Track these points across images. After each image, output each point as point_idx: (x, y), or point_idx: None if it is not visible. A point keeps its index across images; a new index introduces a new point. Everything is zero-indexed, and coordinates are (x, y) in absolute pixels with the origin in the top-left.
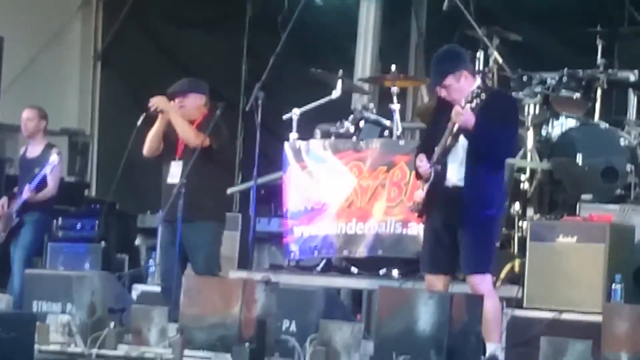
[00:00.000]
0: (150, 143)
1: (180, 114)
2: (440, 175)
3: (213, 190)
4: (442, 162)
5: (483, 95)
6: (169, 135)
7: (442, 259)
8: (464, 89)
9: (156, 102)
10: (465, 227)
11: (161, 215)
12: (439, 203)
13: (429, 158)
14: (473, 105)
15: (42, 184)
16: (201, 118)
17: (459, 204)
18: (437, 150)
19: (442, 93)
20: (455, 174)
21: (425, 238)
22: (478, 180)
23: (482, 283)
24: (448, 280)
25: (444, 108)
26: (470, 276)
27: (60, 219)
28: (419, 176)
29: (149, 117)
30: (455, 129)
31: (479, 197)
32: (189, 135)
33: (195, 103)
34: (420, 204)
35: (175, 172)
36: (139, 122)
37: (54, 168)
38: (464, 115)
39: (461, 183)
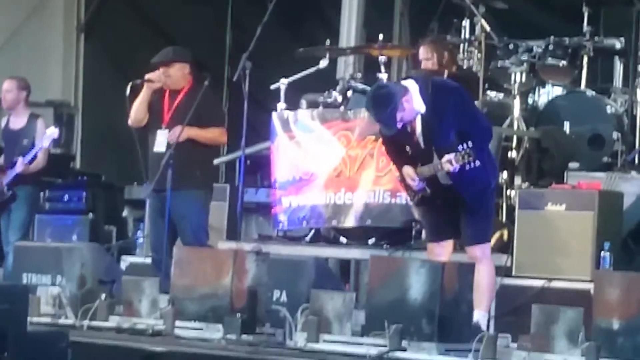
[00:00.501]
0: (135, 113)
1: (166, 83)
2: (434, 182)
3: (201, 159)
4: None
5: (475, 159)
6: (154, 104)
7: (444, 226)
8: (412, 110)
9: (150, 75)
10: (466, 200)
11: (148, 185)
12: (437, 194)
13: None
14: (466, 168)
15: (34, 156)
16: (188, 86)
17: (457, 193)
18: (425, 174)
19: (400, 125)
20: (443, 176)
21: (426, 211)
22: (464, 178)
23: (483, 252)
24: (451, 245)
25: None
26: (471, 247)
27: (47, 191)
28: (404, 182)
29: (135, 87)
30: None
31: (473, 190)
32: (216, 140)
33: (180, 72)
34: (419, 200)
35: (161, 141)
36: (127, 92)
37: (52, 142)
38: (454, 167)
39: (449, 182)
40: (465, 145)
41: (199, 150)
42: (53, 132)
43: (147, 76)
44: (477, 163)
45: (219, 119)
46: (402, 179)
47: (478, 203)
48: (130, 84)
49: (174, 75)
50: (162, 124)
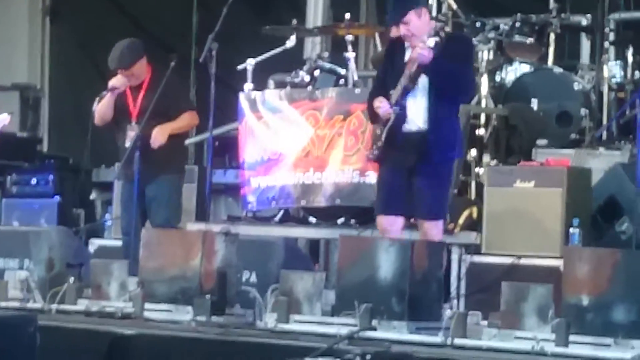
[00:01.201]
0: (102, 115)
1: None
2: (400, 117)
3: (173, 143)
4: (402, 105)
5: (444, 33)
6: (120, 101)
7: (398, 200)
8: (423, 27)
9: (114, 82)
10: (425, 171)
11: (117, 173)
12: (397, 148)
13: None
14: (437, 39)
15: None
16: (148, 76)
17: (421, 147)
18: (396, 92)
19: (402, 30)
20: (417, 118)
21: (381, 181)
22: (441, 121)
23: (436, 228)
24: (402, 223)
25: (395, 52)
26: (424, 222)
27: (14, 175)
28: (375, 119)
29: (102, 98)
30: (415, 67)
31: (442, 139)
32: (190, 125)
33: (141, 68)
34: (378, 149)
35: (133, 135)
36: (94, 106)
37: (4, 127)
38: (424, 51)
39: (423, 126)
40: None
41: (170, 137)
42: (4, 118)
43: (110, 84)
44: (447, 29)
45: (187, 103)
46: (372, 112)
47: (436, 171)
48: (97, 98)
49: (137, 73)
50: (131, 118)
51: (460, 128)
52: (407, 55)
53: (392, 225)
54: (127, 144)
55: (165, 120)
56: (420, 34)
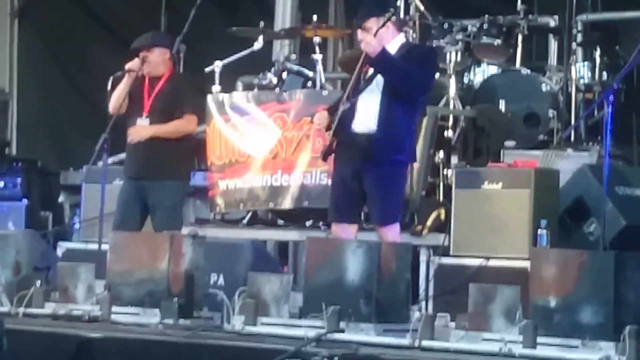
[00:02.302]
0: (116, 101)
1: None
2: (349, 115)
3: (177, 148)
4: (352, 102)
5: (392, 15)
6: (134, 92)
7: (349, 207)
8: (384, 37)
9: (130, 65)
10: (373, 173)
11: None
12: (346, 148)
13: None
14: (398, 45)
15: None
16: (168, 73)
17: (369, 147)
18: (348, 88)
19: (360, 36)
20: (368, 120)
21: (333, 186)
22: (392, 122)
23: (392, 232)
24: (355, 230)
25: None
26: (379, 227)
27: None
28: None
29: (117, 79)
30: (365, 63)
31: (390, 140)
32: (176, 133)
33: (161, 57)
34: (326, 146)
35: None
36: (109, 86)
37: None
38: (372, 41)
39: (373, 127)
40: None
41: (175, 139)
42: None
43: (127, 66)
44: (394, 18)
45: (190, 106)
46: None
47: (387, 174)
48: (111, 78)
49: (154, 61)
50: (143, 112)
51: (415, 132)
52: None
53: (345, 232)
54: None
55: (168, 119)
56: (384, 41)
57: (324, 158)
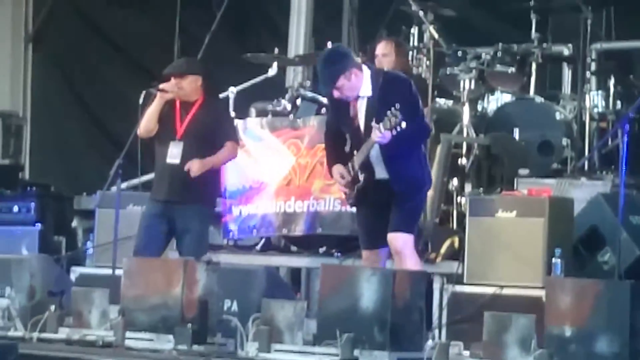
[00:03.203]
0: (147, 123)
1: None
2: (369, 178)
3: (211, 173)
4: (368, 168)
5: (401, 121)
6: (165, 115)
7: (378, 233)
8: (355, 86)
9: (164, 85)
10: (397, 197)
11: (154, 195)
12: (370, 192)
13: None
14: (394, 133)
15: None
16: (200, 100)
17: (392, 192)
18: (358, 158)
19: (336, 94)
20: (380, 170)
21: (360, 220)
22: (401, 172)
23: (403, 241)
24: (385, 254)
25: (339, 105)
26: (393, 234)
27: None
28: (330, 163)
29: (148, 96)
30: (372, 144)
31: (408, 186)
32: (230, 157)
33: (193, 84)
34: (353, 198)
35: (175, 153)
36: (140, 101)
37: None
38: (382, 136)
39: (387, 177)
40: (392, 109)
41: None
42: None
43: (161, 86)
44: (404, 125)
45: (232, 133)
46: (329, 161)
47: (410, 197)
48: (143, 92)
49: (187, 88)
50: (176, 135)
51: (425, 161)
52: (350, 105)
53: (376, 256)
54: (169, 160)
55: (208, 145)
56: (353, 94)
57: (354, 205)
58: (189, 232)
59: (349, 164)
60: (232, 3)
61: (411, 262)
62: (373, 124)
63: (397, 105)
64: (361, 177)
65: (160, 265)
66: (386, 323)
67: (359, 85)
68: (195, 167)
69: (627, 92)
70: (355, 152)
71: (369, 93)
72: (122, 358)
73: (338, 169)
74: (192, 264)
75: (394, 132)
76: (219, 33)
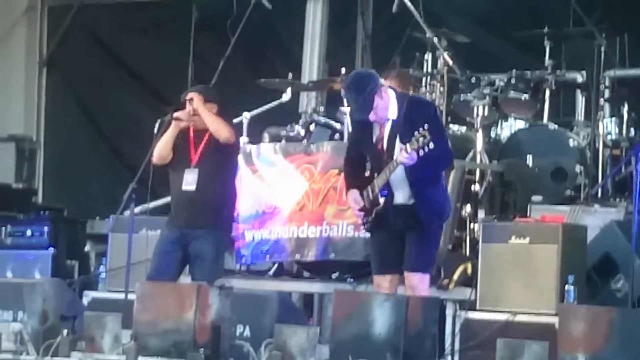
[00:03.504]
0: (161, 151)
1: (207, 111)
2: (389, 201)
3: (228, 198)
4: (388, 190)
5: (429, 142)
6: (179, 143)
7: (391, 259)
8: (387, 105)
9: (195, 95)
10: (416, 230)
11: (169, 220)
12: (387, 218)
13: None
14: (421, 153)
15: None
16: None
17: (410, 217)
18: (380, 180)
19: (372, 117)
20: (402, 193)
21: (374, 245)
22: (426, 195)
23: (422, 282)
24: (397, 280)
25: (364, 127)
26: (411, 274)
27: (8, 226)
28: (349, 187)
29: (163, 123)
30: (397, 164)
31: (431, 210)
32: (222, 129)
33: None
34: (369, 222)
35: (191, 180)
36: (155, 129)
37: None
38: (409, 157)
39: (409, 201)
40: (421, 129)
41: (229, 186)
42: None
43: (176, 114)
44: (432, 145)
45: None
46: (348, 185)
47: (430, 229)
48: (158, 120)
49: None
50: (191, 163)
51: (446, 189)
52: (375, 128)
53: (388, 283)
54: (184, 187)
55: (223, 170)
56: (386, 114)
57: (370, 231)
58: (202, 257)
59: (368, 188)
60: (246, 29)
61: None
62: (400, 145)
63: (426, 126)
64: (381, 200)
65: (172, 289)
66: (399, 349)
67: (389, 105)
68: (195, 99)
69: None
70: (375, 175)
71: (394, 116)
72: None
73: (353, 195)
74: (204, 289)
75: (421, 153)
76: (233, 58)
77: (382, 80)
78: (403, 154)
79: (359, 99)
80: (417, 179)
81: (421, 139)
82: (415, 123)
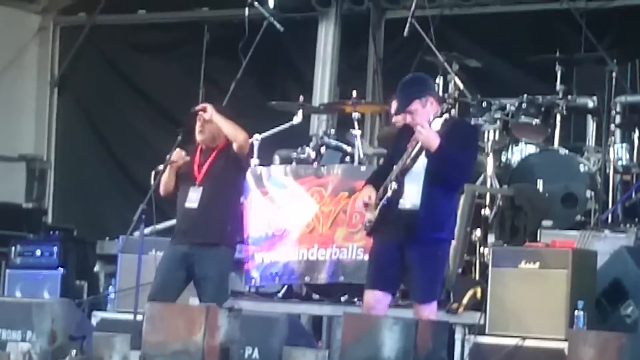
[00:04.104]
0: (166, 186)
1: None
2: (397, 193)
3: (232, 214)
4: (400, 181)
5: (451, 117)
6: (184, 166)
7: (388, 276)
8: (427, 115)
9: (208, 106)
10: (416, 250)
11: (174, 238)
12: (391, 222)
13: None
14: (442, 120)
15: None
16: (222, 145)
17: (411, 224)
18: (396, 168)
19: (407, 119)
20: (412, 197)
21: (373, 254)
22: (434, 202)
23: (429, 311)
24: (388, 301)
25: (406, 135)
26: (418, 305)
27: (18, 246)
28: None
29: (158, 172)
30: (417, 147)
31: (431, 218)
32: (239, 133)
33: (217, 130)
34: (372, 222)
35: (194, 197)
36: (152, 180)
37: None
38: (427, 132)
39: (415, 206)
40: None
41: (232, 204)
42: None
43: (170, 158)
44: (453, 112)
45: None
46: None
47: (428, 252)
48: (153, 172)
49: (210, 131)
50: (195, 181)
51: (455, 210)
52: (414, 140)
53: (379, 302)
54: (187, 204)
55: (227, 189)
56: (426, 120)
57: (370, 231)
58: (207, 278)
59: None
60: (257, 51)
61: None
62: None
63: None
64: (391, 187)
65: (181, 311)
66: None
67: (431, 115)
68: (209, 108)
69: None
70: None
71: (437, 128)
72: None
73: (368, 190)
74: (213, 311)
75: (443, 121)
76: (245, 81)
77: (436, 91)
78: (420, 127)
79: (400, 94)
80: (431, 181)
81: (445, 106)
82: (452, 140)
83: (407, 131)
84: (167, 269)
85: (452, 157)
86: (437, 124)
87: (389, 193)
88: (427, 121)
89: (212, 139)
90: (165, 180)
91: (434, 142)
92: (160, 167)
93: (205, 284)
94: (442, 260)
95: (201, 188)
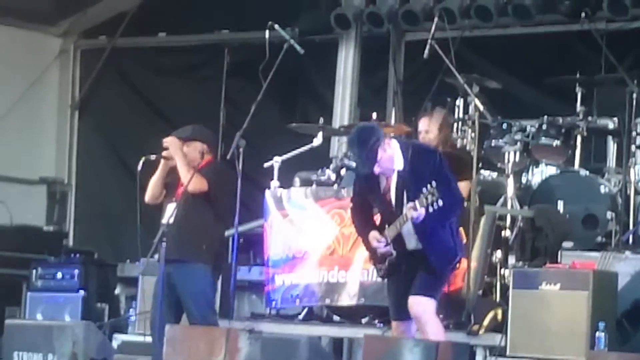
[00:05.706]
0: (152, 190)
1: (183, 158)
2: (401, 247)
3: (206, 233)
4: (399, 239)
5: (438, 199)
6: (171, 182)
7: (406, 308)
8: (391, 157)
9: (169, 141)
10: (427, 265)
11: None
12: (401, 264)
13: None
14: (430, 210)
15: None
16: (203, 163)
17: (422, 261)
18: (390, 234)
19: (377, 170)
20: (412, 242)
21: (392, 286)
22: (434, 242)
23: (423, 307)
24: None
25: (367, 177)
26: (413, 297)
27: (39, 269)
28: (362, 234)
29: (148, 162)
30: (406, 219)
31: (441, 255)
32: (193, 182)
33: (196, 152)
34: (384, 270)
35: (169, 214)
36: (139, 167)
37: None
38: (418, 213)
39: (419, 246)
40: (429, 186)
41: (205, 223)
42: None
43: (163, 153)
44: (441, 202)
45: (210, 176)
46: (369, 248)
47: (439, 267)
48: (142, 159)
49: (189, 154)
50: (175, 197)
51: (456, 231)
52: (382, 179)
53: (406, 330)
54: (163, 220)
55: (201, 205)
56: (391, 165)
57: (386, 277)
58: (186, 295)
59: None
60: (278, 73)
61: (431, 328)
62: (409, 203)
63: (434, 183)
64: (393, 251)
65: (202, 333)
66: None
67: (394, 157)
68: (173, 145)
69: None
70: (386, 226)
71: (400, 166)
72: None
73: (374, 234)
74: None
75: (430, 210)
76: (265, 102)
77: (383, 132)
78: (412, 212)
79: (362, 154)
80: (424, 229)
81: (430, 196)
82: (421, 173)
83: (370, 177)
84: (156, 294)
85: (443, 212)
86: (399, 161)
87: (394, 255)
88: (393, 163)
89: (192, 160)
90: (154, 186)
91: (421, 217)
92: (152, 157)
93: (186, 302)
94: (449, 272)
95: (176, 204)
